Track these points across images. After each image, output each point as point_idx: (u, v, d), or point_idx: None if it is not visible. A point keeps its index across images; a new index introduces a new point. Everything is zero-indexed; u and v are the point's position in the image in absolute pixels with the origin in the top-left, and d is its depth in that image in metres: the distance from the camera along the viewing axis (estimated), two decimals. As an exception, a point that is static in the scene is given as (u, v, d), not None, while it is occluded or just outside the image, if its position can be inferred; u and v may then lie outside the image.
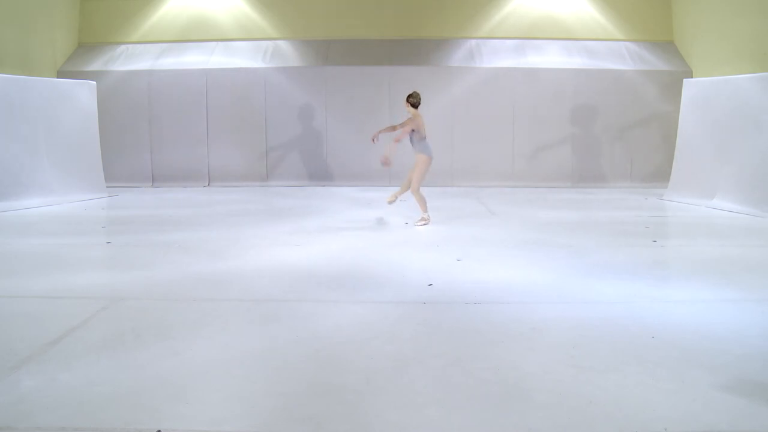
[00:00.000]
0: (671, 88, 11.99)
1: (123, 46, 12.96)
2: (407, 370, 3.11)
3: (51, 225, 7.88)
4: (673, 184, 10.24)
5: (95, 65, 12.63)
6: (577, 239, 6.73)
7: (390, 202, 8.09)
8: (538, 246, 6.36)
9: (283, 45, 12.90)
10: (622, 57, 12.56)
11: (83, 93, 10.60)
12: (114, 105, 12.26)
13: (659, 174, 11.94)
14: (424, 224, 7.64)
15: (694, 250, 6.24)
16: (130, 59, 12.75)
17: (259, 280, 4.93)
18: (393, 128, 7.85)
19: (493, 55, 12.58)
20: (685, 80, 10.38)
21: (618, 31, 12.83)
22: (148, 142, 12.52)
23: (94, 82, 10.97)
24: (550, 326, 3.80)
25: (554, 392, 2.84)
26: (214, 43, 12.92)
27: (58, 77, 12.02)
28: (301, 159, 12.60)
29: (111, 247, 6.50)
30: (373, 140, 7.82)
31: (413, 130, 7.48)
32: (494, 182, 12.33)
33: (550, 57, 12.53)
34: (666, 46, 12.78)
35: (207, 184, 12.56)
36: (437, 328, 3.79)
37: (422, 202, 7.74)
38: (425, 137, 7.61)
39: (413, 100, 7.54)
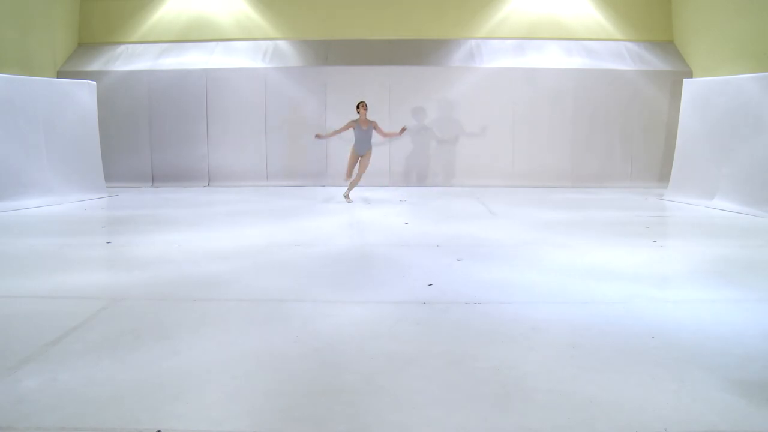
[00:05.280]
0: (671, 88, 12.00)
1: (123, 46, 12.96)
2: (407, 370, 3.11)
3: (51, 225, 7.88)
4: (673, 184, 10.24)
5: (95, 65, 12.62)
6: (577, 239, 6.73)
7: (348, 197, 9.84)
8: (538, 246, 6.36)
9: (283, 45, 12.90)
10: (622, 57, 12.55)
11: (83, 93, 10.60)
12: (114, 105, 12.27)
13: (659, 174, 11.95)
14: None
15: (694, 250, 6.23)
16: (130, 59, 12.75)
17: (259, 280, 4.93)
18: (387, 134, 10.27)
19: (493, 55, 12.57)
20: (685, 80, 10.38)
21: (618, 31, 12.82)
22: (148, 142, 12.52)
23: (94, 82, 10.97)
24: (550, 326, 3.80)
25: (554, 392, 2.84)
26: (214, 43, 12.91)
27: (58, 77, 12.02)
28: (301, 159, 12.59)
29: (111, 247, 6.49)
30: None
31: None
32: (494, 182, 12.32)
33: (550, 57, 12.52)
34: (666, 46, 12.78)
35: (207, 184, 12.56)
36: (437, 328, 3.79)
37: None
38: None
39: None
